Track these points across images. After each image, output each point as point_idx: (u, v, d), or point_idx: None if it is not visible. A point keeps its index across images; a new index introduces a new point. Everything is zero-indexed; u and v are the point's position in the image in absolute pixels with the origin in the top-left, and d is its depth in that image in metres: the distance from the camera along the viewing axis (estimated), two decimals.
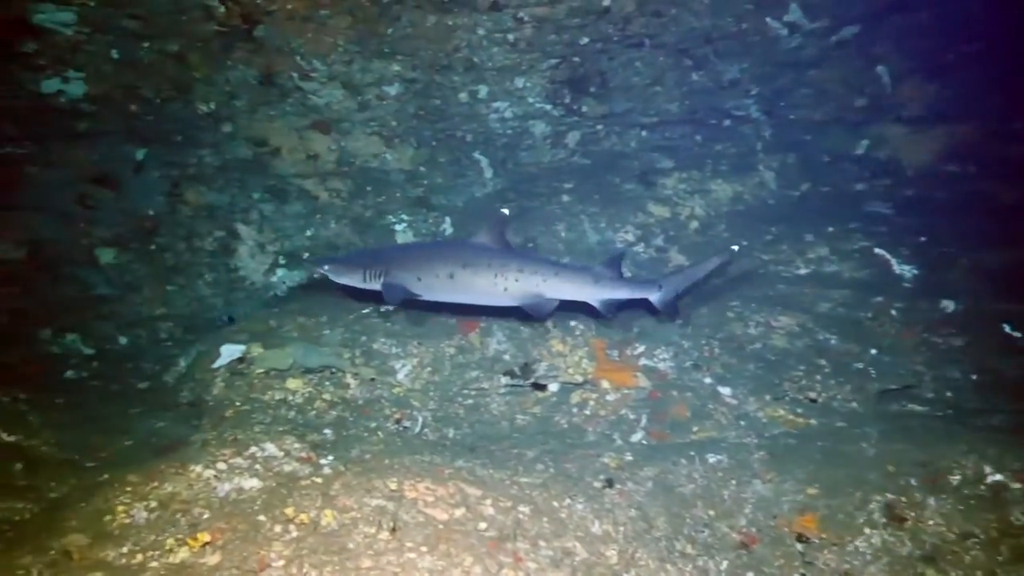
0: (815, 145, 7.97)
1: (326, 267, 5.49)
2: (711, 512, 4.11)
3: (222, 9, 5.86)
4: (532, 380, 5.39)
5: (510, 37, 6.58)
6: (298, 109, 6.99)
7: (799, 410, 4.99)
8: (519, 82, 7.12)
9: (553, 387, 5.40)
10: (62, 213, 6.67)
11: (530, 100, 7.30)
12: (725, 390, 5.20)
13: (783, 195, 7.54)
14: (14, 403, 4.62)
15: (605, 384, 5.32)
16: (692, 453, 4.51)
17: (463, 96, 7.14)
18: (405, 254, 5.51)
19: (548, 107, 7.40)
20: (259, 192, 7.14)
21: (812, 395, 5.14)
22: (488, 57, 6.76)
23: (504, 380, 5.40)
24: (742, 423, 4.93)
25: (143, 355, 6.14)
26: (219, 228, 6.99)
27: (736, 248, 5.63)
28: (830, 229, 6.77)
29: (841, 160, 7.88)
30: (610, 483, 4.20)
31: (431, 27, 6.36)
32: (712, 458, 4.45)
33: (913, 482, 4.07)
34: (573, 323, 5.66)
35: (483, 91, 7.13)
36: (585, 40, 6.79)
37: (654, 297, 5.30)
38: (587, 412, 5.17)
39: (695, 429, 4.92)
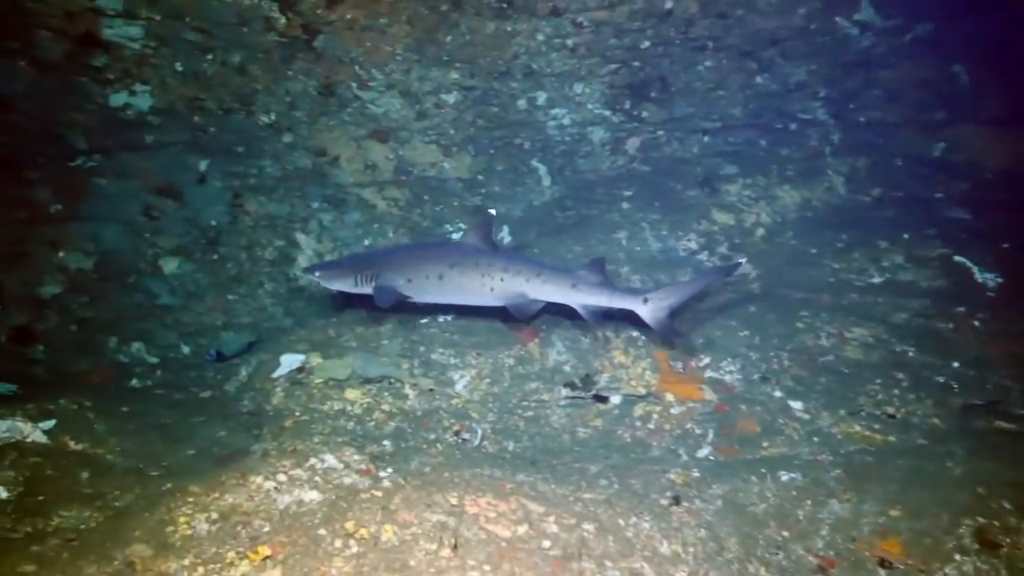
0: (887, 148, 7.65)
1: (317, 274, 5.51)
2: (785, 533, 3.90)
3: (283, 20, 5.91)
4: (593, 392, 5.25)
5: (569, 42, 6.49)
6: (357, 119, 7.01)
7: (876, 426, 4.74)
8: (578, 88, 7.02)
9: (615, 399, 5.25)
10: (128, 223, 6.80)
11: (589, 106, 7.19)
12: (796, 404, 4.97)
13: (854, 201, 7.25)
14: (81, 411, 4.67)
15: (669, 397, 5.14)
16: (763, 470, 4.31)
17: (521, 103, 7.07)
18: (394, 257, 5.45)
19: (607, 113, 7.27)
20: (318, 202, 7.17)
21: (890, 410, 4.87)
22: (547, 63, 6.68)
23: (564, 392, 5.27)
24: (815, 439, 4.70)
25: (205, 364, 6.19)
26: (279, 238, 7.04)
27: (742, 262, 5.29)
28: (905, 236, 6.46)
29: (915, 163, 7.54)
30: (677, 500, 4.03)
31: (490, 34, 6.31)
32: (785, 476, 4.24)
33: (1006, 504, 3.80)
34: (635, 333, 5.50)
35: (541, 98, 7.05)
36: (646, 44, 6.65)
37: (641, 311, 5.02)
38: (651, 426, 5.01)
39: (765, 445, 4.71)
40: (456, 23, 6.18)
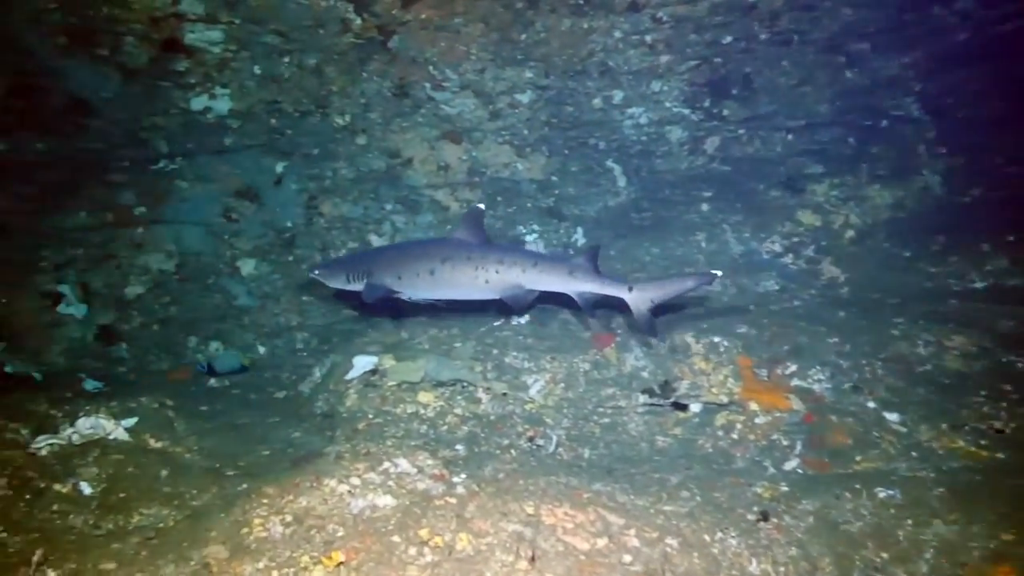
0: (988, 146, 7.19)
1: (316, 272, 5.63)
2: (884, 555, 3.63)
3: (358, 21, 5.90)
4: (673, 399, 5.05)
5: (648, 39, 6.31)
6: (430, 120, 6.98)
7: (983, 441, 4.40)
8: (656, 86, 6.83)
9: (695, 407, 5.03)
10: (208, 225, 6.92)
11: (667, 104, 6.99)
12: (892, 416, 4.67)
13: (951, 201, 6.83)
14: (162, 409, 4.73)
15: (753, 406, 4.90)
16: (857, 485, 4.03)
17: (597, 102, 6.92)
18: (386, 255, 5.52)
19: (686, 111, 7.05)
20: (391, 203, 7.16)
21: (997, 425, 4.52)
22: (624, 60, 6.51)
23: (642, 398, 5.08)
24: (914, 454, 4.39)
25: (280, 364, 6.24)
26: (353, 239, 7.06)
27: (719, 273, 5.01)
28: (1010, 239, 6.04)
29: (1019, 162, 7.06)
30: (765, 516, 3.81)
31: (566, 31, 6.19)
32: (882, 492, 3.95)
33: None
34: (717, 339, 5.28)
35: (618, 96, 6.88)
36: (728, 39, 6.42)
37: (627, 298, 4.96)
38: (734, 436, 4.78)
39: (858, 459, 4.42)
40: (531, 21, 6.07)
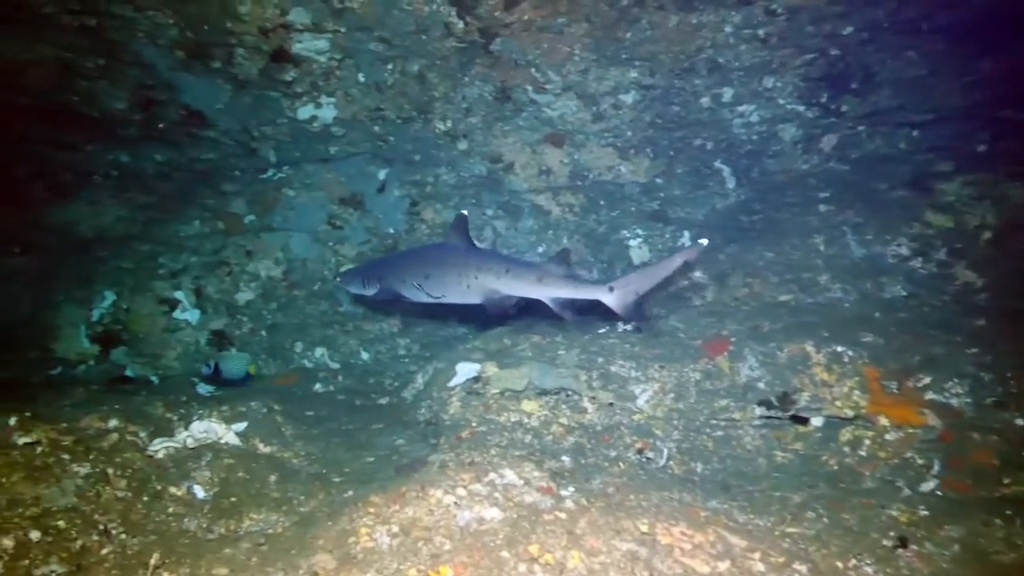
0: None
1: (339, 279, 5.99)
2: None
3: (461, 25, 5.85)
4: (792, 412, 4.73)
5: (760, 32, 6.00)
6: (532, 123, 6.87)
7: None
8: (768, 82, 6.50)
9: (817, 421, 4.70)
10: (314, 233, 7.03)
11: (780, 101, 6.64)
12: None
13: None
14: (270, 414, 4.77)
15: (883, 421, 4.53)
16: (1008, 511, 3.65)
17: (705, 101, 6.64)
18: (392, 262, 5.76)
19: (801, 108, 6.69)
20: (493, 209, 7.09)
21: None
22: (735, 56, 6.22)
23: (758, 411, 4.79)
24: None
25: (384, 371, 6.25)
26: None
27: (705, 242, 4.89)
28: None
29: None
30: (903, 542, 3.48)
31: (673, 28, 5.95)
32: None
33: None
34: (840, 348, 4.92)
35: (727, 94, 6.59)
36: (848, 30, 6.03)
37: (608, 300, 4.92)
38: (862, 453, 4.43)
39: (1007, 481, 4.01)
40: (637, 18, 5.87)
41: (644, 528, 3.31)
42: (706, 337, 5.30)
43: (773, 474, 4.35)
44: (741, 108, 6.70)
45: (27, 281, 6.85)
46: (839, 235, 6.05)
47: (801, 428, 4.69)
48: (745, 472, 4.40)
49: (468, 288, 5.19)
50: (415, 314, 6.73)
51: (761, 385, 4.91)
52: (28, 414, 3.99)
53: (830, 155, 6.98)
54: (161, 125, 6.62)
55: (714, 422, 4.81)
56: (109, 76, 6.13)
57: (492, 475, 3.76)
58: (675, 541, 3.24)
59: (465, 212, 5.41)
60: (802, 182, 6.87)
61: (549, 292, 5.09)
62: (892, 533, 3.54)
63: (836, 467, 4.37)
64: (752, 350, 5.08)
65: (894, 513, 3.74)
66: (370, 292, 5.64)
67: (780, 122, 6.82)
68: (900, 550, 3.43)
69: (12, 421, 3.88)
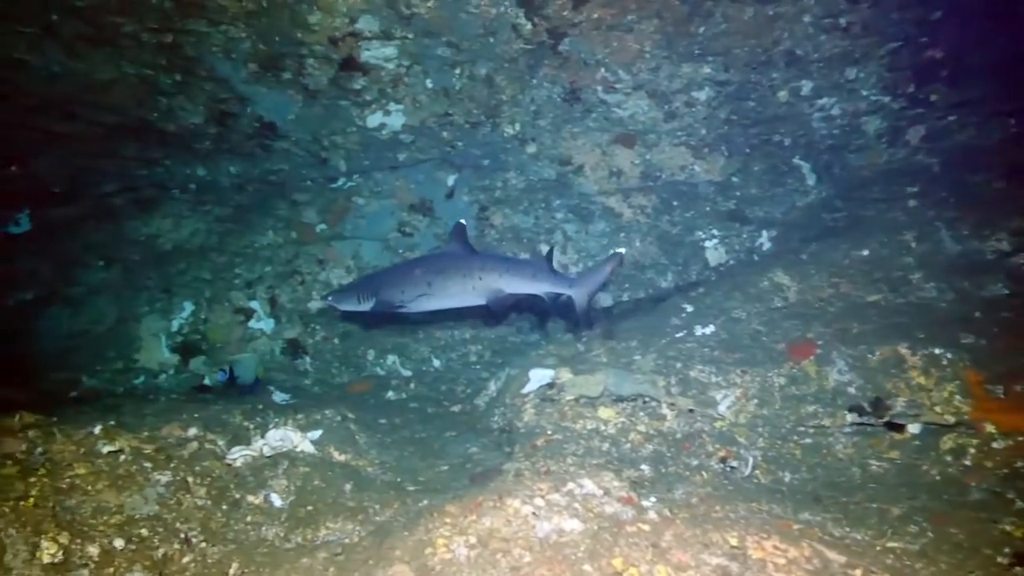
0: None
1: (330, 298, 5.95)
2: None
3: (529, 26, 5.77)
4: (886, 418, 4.46)
5: (842, 21, 5.74)
6: (601, 124, 6.73)
7: None
8: (850, 73, 6.21)
9: (914, 428, 4.42)
10: (384, 240, 7.05)
11: (863, 93, 6.34)
12: None
13: None
14: (344, 422, 4.76)
15: (989, 428, 4.22)
16: None
17: (782, 95, 6.39)
18: (388, 274, 5.82)
19: (886, 99, 6.37)
20: (563, 212, 6.98)
21: None
22: (814, 47, 5.97)
23: (850, 417, 4.53)
24: None
25: (456, 378, 6.19)
26: (524, 250, 6.93)
27: (622, 251, 5.52)
28: None
29: None
30: (1020, 560, 3.21)
31: (749, 20, 5.74)
32: None
33: None
34: (938, 351, 4.62)
35: (806, 87, 6.32)
36: (937, 15, 5.71)
37: (572, 292, 5.22)
38: (966, 462, 4.13)
39: None
40: (710, 12, 5.69)
41: (733, 541, 3.13)
42: (790, 340, 5.07)
43: (868, 484, 4.09)
44: (821, 101, 6.42)
45: (112, 294, 7.07)
46: (932, 231, 5.70)
47: (897, 435, 4.42)
48: (837, 482, 4.15)
49: (474, 290, 5.35)
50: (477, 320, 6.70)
51: (852, 390, 4.65)
52: (112, 423, 4.07)
53: (918, 148, 6.62)
54: (235, 137, 6.73)
55: (801, 429, 4.57)
56: (186, 91, 6.27)
57: (570, 484, 3.63)
58: (767, 556, 3.06)
59: (463, 221, 5.63)
60: (888, 177, 6.53)
61: (541, 287, 5.35)
62: (1007, 549, 3.27)
63: (938, 477, 4.08)
64: (841, 353, 4.82)
65: (1007, 527, 3.46)
66: (365, 307, 5.69)
67: (863, 115, 6.51)
68: (1017, 568, 3.17)
69: (97, 429, 3.95)
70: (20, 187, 7.02)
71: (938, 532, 3.46)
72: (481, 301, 5.38)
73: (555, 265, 5.44)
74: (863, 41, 5.89)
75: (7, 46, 5.55)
